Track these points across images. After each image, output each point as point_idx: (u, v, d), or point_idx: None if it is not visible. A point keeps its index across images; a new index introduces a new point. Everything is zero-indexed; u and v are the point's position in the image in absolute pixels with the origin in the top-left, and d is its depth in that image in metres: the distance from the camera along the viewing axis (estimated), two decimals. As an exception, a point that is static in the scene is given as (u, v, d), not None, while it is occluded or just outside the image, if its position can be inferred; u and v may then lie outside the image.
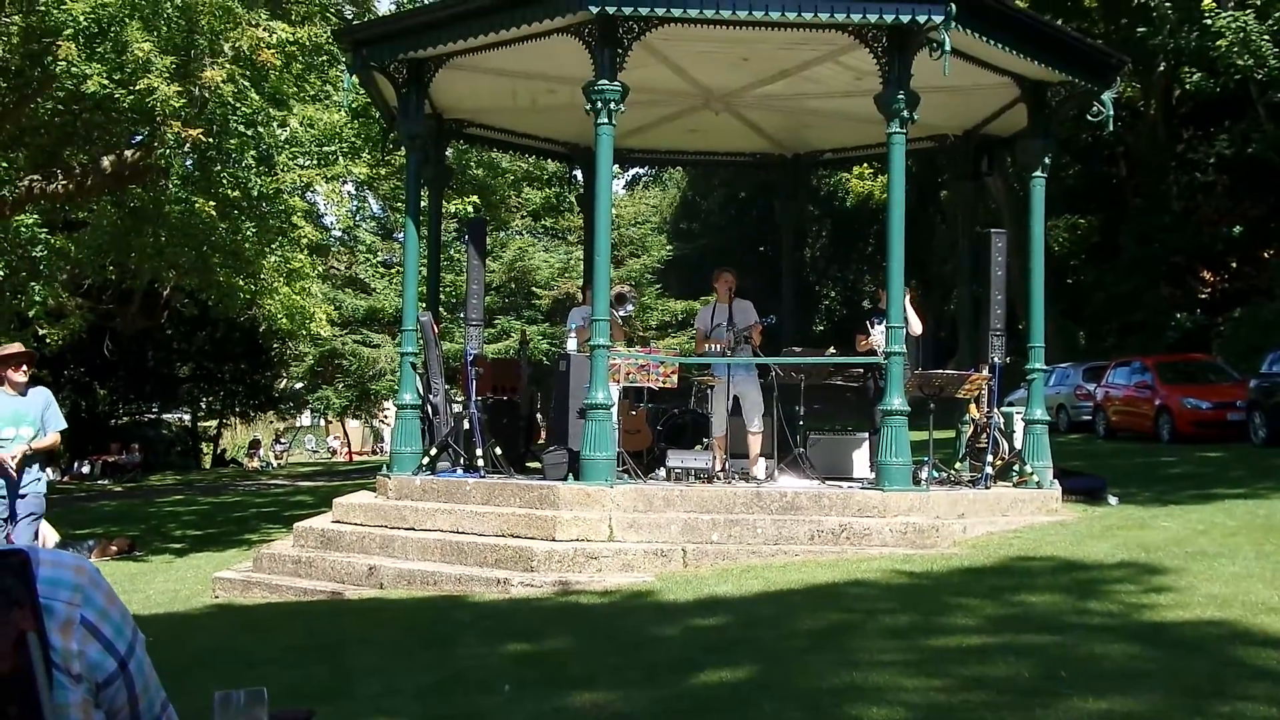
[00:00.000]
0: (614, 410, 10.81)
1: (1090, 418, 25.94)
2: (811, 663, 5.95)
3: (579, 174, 16.94)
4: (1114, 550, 9.03)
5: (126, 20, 13.25)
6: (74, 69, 13.14)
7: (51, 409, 9.50)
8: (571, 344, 12.52)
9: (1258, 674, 5.40)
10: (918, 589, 7.94)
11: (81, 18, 13.03)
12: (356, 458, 55.04)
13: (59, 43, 13.17)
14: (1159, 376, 22.95)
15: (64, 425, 9.69)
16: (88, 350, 35.22)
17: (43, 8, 13.34)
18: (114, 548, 15.43)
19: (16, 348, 9.63)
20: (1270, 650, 5.76)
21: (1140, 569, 8.16)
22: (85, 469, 37.93)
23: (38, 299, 15.97)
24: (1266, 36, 20.67)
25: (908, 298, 11.11)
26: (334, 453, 61.79)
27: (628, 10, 10.29)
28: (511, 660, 6.59)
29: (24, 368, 9.31)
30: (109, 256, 18.38)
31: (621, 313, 12.60)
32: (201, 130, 13.54)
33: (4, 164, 15.82)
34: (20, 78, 15.81)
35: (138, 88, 13.09)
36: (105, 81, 13.17)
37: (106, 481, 35.99)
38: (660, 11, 10.34)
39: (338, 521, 11.67)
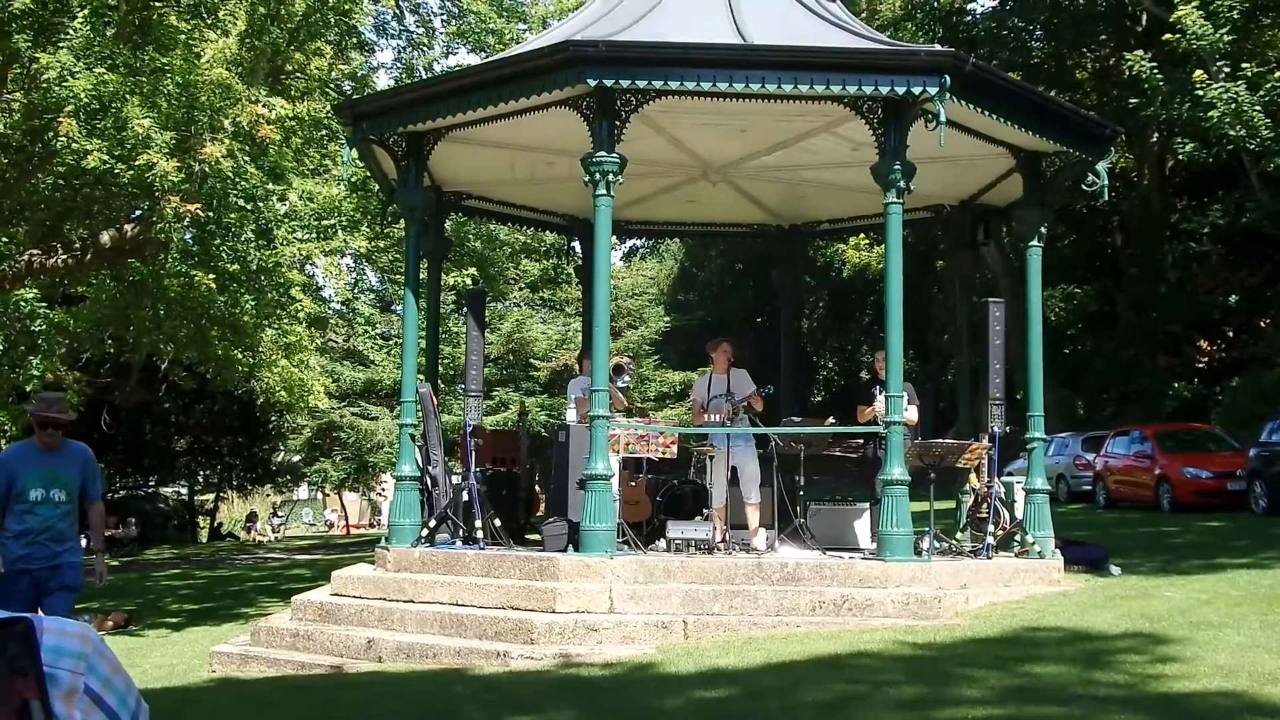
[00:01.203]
0: (613, 481, 10.76)
1: (1090, 487, 25.86)
2: (816, 735, 5.88)
3: (578, 245, 17.00)
4: (1118, 620, 8.96)
5: (127, 97, 13.37)
6: (75, 145, 13.25)
7: (90, 471, 8.46)
8: (571, 415, 12.49)
9: (1268, 744, 5.34)
10: (923, 660, 7.86)
11: (83, 94, 13.16)
12: (354, 530, 54.73)
13: (60, 119, 13.30)
14: (1158, 446, 22.91)
15: (102, 490, 8.76)
16: (85, 424, 35.04)
17: (45, 85, 13.46)
18: (110, 622, 15.32)
19: (52, 404, 8.36)
20: (1280, 720, 5.70)
21: (1146, 639, 8.10)
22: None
23: (36, 373, 15.93)
24: (1258, 107, 20.86)
25: None
26: (331, 525, 61.47)
27: (625, 83, 10.40)
28: (512, 734, 6.51)
29: (50, 430, 8.15)
30: (108, 330, 18.37)
31: (620, 383, 12.59)
32: (201, 205, 13.61)
33: (4, 238, 15.89)
34: (21, 153, 15.94)
35: (138, 163, 13.18)
36: (105, 157, 13.26)
37: (103, 556, 35.67)
38: (657, 84, 10.45)
39: (336, 594, 11.56)
